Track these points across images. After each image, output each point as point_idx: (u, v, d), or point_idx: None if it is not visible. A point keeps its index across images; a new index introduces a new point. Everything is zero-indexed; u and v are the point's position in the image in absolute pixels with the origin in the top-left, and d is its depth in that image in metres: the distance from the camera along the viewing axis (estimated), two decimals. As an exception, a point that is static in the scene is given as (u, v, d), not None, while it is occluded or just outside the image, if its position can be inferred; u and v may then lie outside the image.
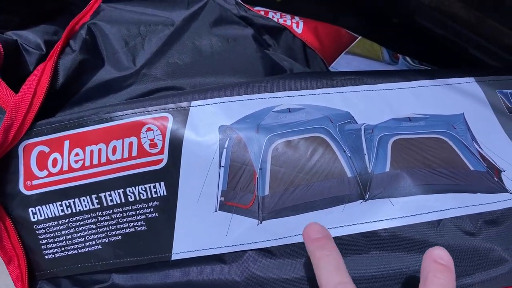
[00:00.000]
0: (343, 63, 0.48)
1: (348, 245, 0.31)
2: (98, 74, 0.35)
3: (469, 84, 0.38)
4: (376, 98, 0.35)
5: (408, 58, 0.53)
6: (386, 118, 0.34)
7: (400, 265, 0.30)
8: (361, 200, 0.31)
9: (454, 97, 0.37)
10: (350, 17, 0.55)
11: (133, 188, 0.32)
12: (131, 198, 0.32)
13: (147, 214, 0.33)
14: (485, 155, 0.34)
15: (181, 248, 0.33)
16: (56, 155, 0.32)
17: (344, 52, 0.49)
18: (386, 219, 0.30)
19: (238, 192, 0.31)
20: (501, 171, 0.33)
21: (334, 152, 0.31)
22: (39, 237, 0.33)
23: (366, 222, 0.31)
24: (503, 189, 0.32)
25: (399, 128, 0.33)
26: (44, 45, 0.36)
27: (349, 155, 0.31)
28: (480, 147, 0.34)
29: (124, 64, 0.35)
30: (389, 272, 0.30)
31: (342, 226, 0.31)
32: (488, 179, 0.32)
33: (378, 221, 0.30)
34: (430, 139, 0.33)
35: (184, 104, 0.32)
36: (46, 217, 0.33)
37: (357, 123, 0.33)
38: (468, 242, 0.30)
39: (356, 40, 0.50)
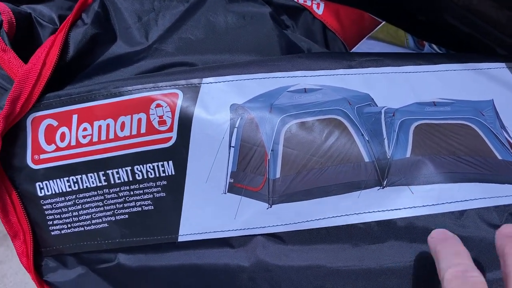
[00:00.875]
0: (365, 48, 0.46)
1: (363, 234, 0.29)
2: (110, 48, 0.34)
3: (499, 70, 0.35)
4: (398, 80, 0.33)
5: (434, 46, 0.50)
6: (409, 102, 0.32)
7: (417, 257, 0.28)
8: (378, 187, 0.29)
9: (483, 83, 0.34)
10: (373, 13, 0.53)
11: (141, 166, 0.31)
12: (139, 176, 0.31)
13: (155, 194, 0.32)
14: (515, 145, 0.31)
15: (187, 230, 0.32)
16: (64, 129, 0.31)
17: (367, 36, 0.47)
18: (405, 208, 0.28)
19: (248, 173, 0.30)
20: (532, 162, 0.30)
21: (351, 135, 0.30)
22: (46, 212, 0.33)
23: (382, 211, 0.29)
24: (534, 181, 0.29)
25: (422, 112, 0.31)
26: (58, 20, 0.36)
27: (367, 139, 0.30)
28: (509, 136, 0.32)
29: (136, 39, 0.34)
30: (405, 264, 0.28)
31: (357, 214, 0.29)
32: (517, 169, 0.30)
33: (395, 209, 0.29)
34: (455, 125, 0.31)
35: (195, 80, 0.31)
36: (53, 192, 0.32)
37: (377, 106, 0.31)
38: (493, 235, 0.27)
39: (380, 25, 0.48)
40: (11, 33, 0.33)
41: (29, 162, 0.32)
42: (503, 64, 0.36)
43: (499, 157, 0.30)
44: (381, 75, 0.33)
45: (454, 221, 0.28)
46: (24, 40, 0.34)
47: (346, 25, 0.43)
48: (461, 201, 0.28)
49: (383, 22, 0.48)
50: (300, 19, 0.40)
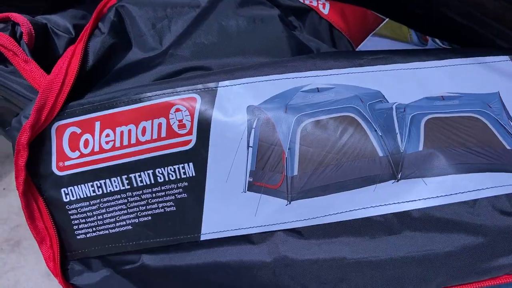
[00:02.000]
0: (370, 45, 0.47)
1: (380, 226, 0.30)
2: (126, 55, 0.35)
3: (504, 62, 0.37)
4: (407, 77, 0.34)
5: (437, 40, 0.51)
6: (418, 97, 0.33)
7: (433, 245, 0.29)
8: (393, 180, 0.30)
9: (488, 76, 0.35)
10: (375, 10, 0.54)
11: (162, 169, 0.32)
12: (161, 179, 0.33)
13: (176, 195, 0.33)
14: (523, 135, 0.32)
15: (209, 229, 0.33)
16: (87, 136, 0.32)
17: (372, 34, 0.48)
18: (419, 199, 0.30)
19: (267, 172, 0.31)
20: (539, 150, 0.32)
21: (364, 131, 0.31)
22: (71, 217, 0.34)
23: (398, 202, 0.30)
24: (542, 169, 0.31)
25: (432, 107, 0.32)
26: (73, 29, 0.37)
27: (380, 134, 0.31)
28: (517, 127, 0.33)
29: (151, 45, 0.35)
30: (422, 253, 0.30)
31: (373, 207, 0.30)
32: (526, 158, 0.31)
33: (410, 201, 0.30)
34: (464, 118, 0.32)
35: (211, 84, 0.32)
36: (78, 197, 0.33)
37: (388, 102, 0.32)
38: (505, 222, 0.29)
39: (384, 22, 0.49)
40: (31, 44, 0.34)
41: (54, 169, 0.33)
42: (506, 57, 0.37)
43: (508, 147, 0.31)
44: (390, 72, 0.34)
45: (468, 210, 0.29)
46: (41, 50, 0.35)
47: (351, 23, 0.45)
48: (474, 190, 0.29)
49: (387, 19, 0.49)
50: (307, 20, 0.41)
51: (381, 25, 0.49)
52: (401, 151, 0.30)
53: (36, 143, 0.32)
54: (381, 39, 0.49)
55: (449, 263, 0.29)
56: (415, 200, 0.30)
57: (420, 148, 0.30)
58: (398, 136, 0.31)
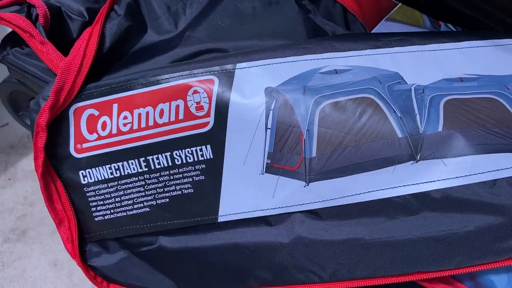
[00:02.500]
0: (384, 29, 0.47)
1: (398, 207, 0.30)
2: (142, 38, 0.35)
3: (521, 45, 0.36)
4: (425, 58, 0.34)
5: (450, 25, 0.51)
6: (437, 78, 0.33)
7: (452, 226, 0.30)
8: (412, 161, 0.30)
9: (506, 58, 0.35)
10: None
11: (180, 151, 0.32)
12: (178, 161, 0.33)
13: (194, 177, 0.33)
14: (541, 116, 0.32)
15: (227, 211, 0.33)
16: (105, 118, 0.32)
17: (385, 18, 0.48)
18: (439, 180, 0.30)
19: (285, 154, 0.31)
20: (558, 131, 0.32)
21: (383, 112, 0.31)
22: (89, 199, 0.34)
23: (417, 183, 0.30)
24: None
25: (450, 88, 0.32)
26: (86, 12, 0.37)
27: (399, 115, 0.31)
28: (535, 108, 0.33)
29: (166, 28, 0.35)
30: (440, 233, 0.30)
31: (392, 188, 0.30)
32: (545, 139, 0.31)
33: (430, 182, 0.30)
34: (483, 99, 0.32)
35: (229, 66, 0.32)
36: (96, 179, 0.34)
37: (406, 83, 0.32)
38: None
39: (397, 7, 0.49)
40: (46, 26, 0.34)
41: (72, 151, 0.33)
42: (524, 39, 0.37)
43: (527, 128, 0.31)
44: (408, 54, 0.34)
45: (487, 190, 0.29)
46: (56, 33, 0.35)
47: (365, 7, 0.44)
48: (493, 171, 0.29)
49: (400, 4, 0.49)
50: (321, 3, 0.41)
51: (394, 9, 0.49)
52: (421, 132, 0.30)
53: (54, 125, 0.32)
54: (394, 24, 0.49)
55: (468, 243, 0.29)
56: (434, 181, 0.30)
57: (440, 129, 0.30)
58: (418, 117, 0.31)
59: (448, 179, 0.30)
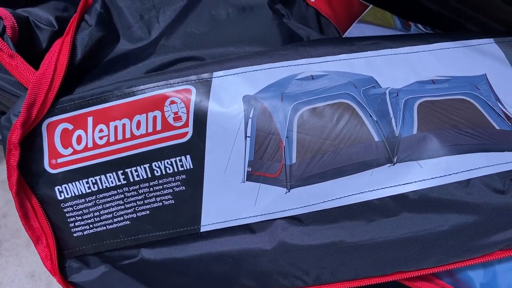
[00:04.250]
0: (356, 32, 0.47)
1: (377, 209, 0.31)
2: (115, 48, 0.34)
3: (489, 45, 0.38)
4: (398, 61, 0.34)
5: (420, 26, 0.52)
6: (410, 81, 0.33)
7: (429, 225, 0.30)
8: (389, 164, 0.31)
9: (475, 58, 0.36)
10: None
11: (159, 162, 0.32)
12: (158, 172, 0.32)
13: (174, 188, 0.33)
14: (510, 115, 0.33)
15: (209, 220, 0.33)
16: (80, 132, 0.32)
17: (357, 20, 0.49)
18: (415, 181, 0.30)
19: (265, 161, 0.31)
20: (527, 129, 0.33)
21: (360, 117, 0.31)
22: (67, 215, 0.33)
23: (395, 186, 0.31)
24: (529, 147, 0.32)
25: (423, 90, 0.33)
26: (55, 22, 0.36)
27: (375, 119, 0.31)
28: (504, 107, 0.34)
29: (139, 36, 0.35)
30: (419, 233, 0.31)
31: (371, 191, 0.31)
32: (514, 138, 0.32)
33: (407, 183, 0.30)
34: (455, 100, 0.33)
35: (206, 75, 0.32)
36: (73, 195, 0.33)
37: (381, 87, 0.33)
38: (498, 199, 0.30)
39: (368, 9, 0.50)
40: (15, 38, 0.33)
41: (46, 167, 0.32)
42: (491, 40, 0.38)
43: (497, 127, 0.32)
44: (381, 58, 0.34)
45: (462, 190, 0.30)
46: (24, 44, 0.34)
47: (337, 10, 0.45)
48: (467, 170, 0.30)
49: (371, 6, 0.50)
50: (294, 8, 0.41)
51: (365, 11, 0.49)
52: (396, 135, 0.31)
53: (27, 141, 0.31)
54: (366, 26, 0.49)
55: (445, 241, 0.30)
56: (411, 183, 0.30)
57: (414, 131, 0.31)
58: (393, 120, 0.31)
59: (424, 180, 0.30)
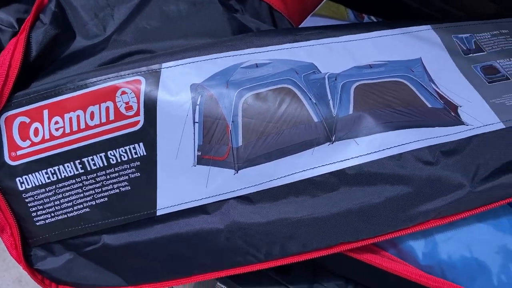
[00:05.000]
0: (310, 25, 0.50)
1: (319, 185, 0.33)
2: (70, 45, 0.36)
3: (426, 31, 0.40)
4: (338, 49, 0.37)
5: (373, 17, 0.55)
6: (348, 66, 0.36)
7: (366, 198, 0.33)
8: (328, 143, 0.33)
9: (412, 44, 0.39)
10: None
11: (114, 151, 0.34)
12: (113, 160, 0.34)
13: (130, 175, 0.34)
14: (442, 94, 0.36)
15: (164, 204, 0.35)
16: (36, 124, 0.33)
17: (311, 14, 0.51)
18: (352, 158, 0.33)
19: (214, 145, 0.33)
20: (458, 106, 0.35)
21: (300, 100, 0.33)
22: (29, 205, 0.35)
23: (334, 162, 0.33)
24: (460, 122, 0.34)
25: (360, 74, 0.35)
26: (16, 23, 0.37)
27: (314, 102, 0.33)
28: (437, 87, 0.36)
29: (95, 33, 0.37)
30: (357, 206, 0.33)
31: (312, 168, 0.33)
32: (445, 114, 0.34)
33: (345, 160, 0.33)
34: (390, 82, 0.35)
35: (155, 66, 0.34)
36: (34, 185, 0.34)
37: (321, 72, 0.35)
38: (428, 171, 0.32)
39: (322, 3, 0.52)
40: None
41: (7, 159, 0.34)
42: (428, 26, 0.40)
43: (429, 105, 0.35)
44: (322, 46, 0.37)
45: (395, 163, 0.32)
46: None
47: (289, 4, 0.47)
48: (398, 145, 0.32)
49: (325, 0, 0.52)
50: (247, 3, 0.43)
51: (320, 5, 0.52)
52: (334, 115, 0.33)
53: None
54: (320, 19, 0.52)
55: (381, 212, 0.32)
56: (348, 159, 0.33)
57: (350, 111, 0.33)
58: (331, 102, 0.34)
59: (360, 156, 0.33)
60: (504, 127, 0.34)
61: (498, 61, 0.39)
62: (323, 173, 0.33)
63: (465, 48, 0.40)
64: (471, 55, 0.39)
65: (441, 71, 0.37)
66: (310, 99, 0.34)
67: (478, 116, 0.35)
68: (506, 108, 0.35)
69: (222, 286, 0.42)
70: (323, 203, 0.33)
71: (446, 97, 0.36)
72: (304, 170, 0.33)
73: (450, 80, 0.37)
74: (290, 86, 0.34)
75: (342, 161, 0.33)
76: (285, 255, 0.34)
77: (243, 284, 0.42)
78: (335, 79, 0.35)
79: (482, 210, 0.33)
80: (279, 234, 0.34)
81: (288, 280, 0.43)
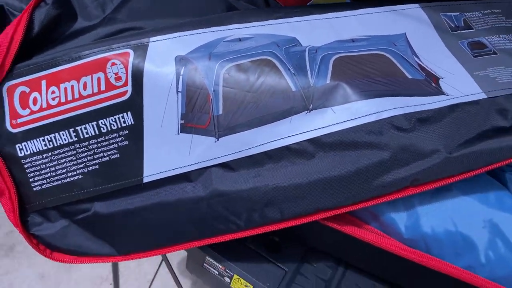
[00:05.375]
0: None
1: (296, 153, 0.34)
2: (71, 25, 0.39)
3: (413, 9, 0.40)
4: (321, 24, 0.38)
5: None
6: (330, 40, 0.37)
7: (344, 165, 0.33)
8: (306, 111, 0.34)
9: (398, 21, 0.39)
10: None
11: (104, 120, 0.36)
12: (104, 129, 0.36)
13: (119, 143, 0.36)
14: (425, 66, 0.36)
15: (150, 171, 0.36)
16: (35, 94, 0.36)
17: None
18: (329, 125, 0.33)
19: (196, 113, 0.35)
20: (440, 78, 0.35)
21: (279, 70, 0.34)
22: (27, 170, 0.38)
23: (311, 130, 0.33)
24: (440, 92, 0.34)
25: (342, 47, 0.36)
26: None
27: (293, 72, 0.34)
28: (420, 60, 0.36)
29: (94, 14, 0.39)
30: (335, 173, 0.33)
31: (290, 136, 0.34)
32: (425, 85, 0.34)
33: (322, 127, 0.33)
34: (371, 55, 0.36)
35: (144, 40, 0.36)
36: (31, 152, 0.37)
37: (302, 46, 0.36)
38: (404, 138, 0.32)
39: (320, -9, 0.53)
40: None
41: (8, 127, 0.37)
42: (416, 5, 0.41)
43: (409, 76, 0.35)
44: (306, 22, 0.38)
45: (371, 130, 0.33)
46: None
47: (286, -6, 0.48)
48: (375, 113, 0.33)
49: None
50: None
51: (317, -6, 0.53)
52: (311, 85, 0.34)
53: None
54: (317, 6, 0.53)
55: (357, 178, 0.33)
56: (325, 127, 0.33)
57: (328, 81, 0.34)
58: (309, 72, 0.34)
59: (337, 123, 0.33)
60: (486, 97, 0.34)
61: (486, 37, 0.39)
62: (300, 140, 0.33)
63: (453, 26, 0.40)
64: (458, 31, 0.39)
65: (426, 45, 0.37)
66: (289, 69, 0.34)
67: (460, 87, 0.34)
68: (490, 80, 0.35)
69: (212, 260, 0.43)
70: (300, 170, 0.33)
71: (428, 69, 0.36)
72: (282, 138, 0.34)
73: (434, 54, 0.37)
74: (270, 58, 0.35)
75: (319, 128, 0.33)
76: (265, 222, 0.35)
77: (233, 260, 0.42)
78: (316, 52, 0.36)
79: (461, 178, 0.32)
80: (258, 200, 0.34)
81: (278, 258, 0.43)
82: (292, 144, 0.34)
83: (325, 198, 0.33)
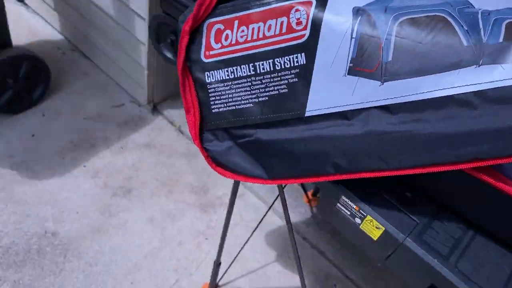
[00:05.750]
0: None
1: (461, 103, 0.36)
2: None
3: None
4: (495, -10, 0.39)
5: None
6: (502, 7, 0.38)
7: (507, 119, 0.34)
8: (475, 65, 0.36)
9: None
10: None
11: (280, 58, 0.42)
12: (278, 66, 0.42)
13: (289, 79, 0.42)
14: None
15: (313, 107, 0.42)
16: (228, 31, 0.43)
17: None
18: (497, 81, 0.35)
19: (365, 58, 0.39)
20: None
21: (452, 26, 0.37)
22: (210, 95, 0.45)
23: (479, 83, 0.35)
24: None
25: (515, 13, 0.37)
26: None
27: (466, 29, 0.37)
28: None
29: None
30: (496, 125, 0.35)
31: (456, 87, 0.36)
32: None
33: (489, 82, 0.35)
34: None
35: None
36: (216, 79, 0.45)
37: (474, 8, 0.38)
38: None
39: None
40: None
41: (202, 56, 0.45)
42: None
43: None
44: None
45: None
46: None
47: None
48: None
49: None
50: None
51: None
52: (484, 42, 0.36)
53: (193, 36, 0.44)
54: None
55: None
56: (493, 81, 0.35)
57: (500, 40, 0.36)
58: (482, 31, 0.36)
59: (505, 79, 0.35)
60: None
61: None
62: (466, 91, 0.36)
63: None
64: None
65: None
66: (462, 26, 0.37)
67: None
68: None
69: (347, 200, 0.47)
70: (461, 119, 0.36)
71: None
72: (448, 88, 0.36)
73: None
74: (443, 15, 0.38)
75: (486, 82, 0.35)
76: (415, 165, 0.38)
77: (367, 203, 0.46)
78: (488, 14, 0.37)
79: None
80: (411, 143, 0.38)
81: (410, 211, 0.46)
82: (458, 94, 0.36)
83: (484, 149, 0.35)
